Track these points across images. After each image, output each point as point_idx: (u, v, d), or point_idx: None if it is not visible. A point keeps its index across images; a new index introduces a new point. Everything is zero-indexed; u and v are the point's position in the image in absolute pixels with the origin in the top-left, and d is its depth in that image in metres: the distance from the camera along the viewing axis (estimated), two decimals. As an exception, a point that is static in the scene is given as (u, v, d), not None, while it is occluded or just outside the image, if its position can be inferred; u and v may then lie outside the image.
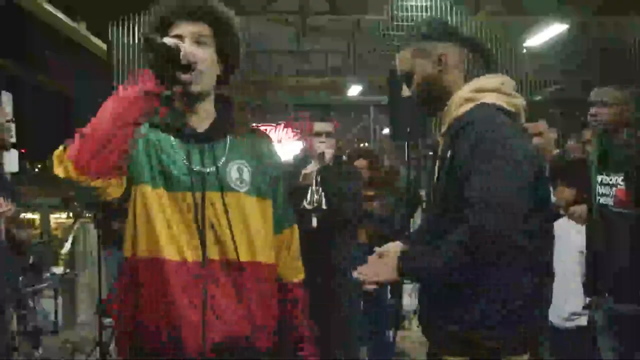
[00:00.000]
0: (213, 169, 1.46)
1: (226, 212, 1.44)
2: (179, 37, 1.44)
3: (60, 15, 7.60)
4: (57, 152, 1.33)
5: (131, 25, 8.42)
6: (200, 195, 1.43)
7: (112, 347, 4.21)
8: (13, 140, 3.62)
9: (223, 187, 1.46)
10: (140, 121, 1.35)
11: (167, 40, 1.37)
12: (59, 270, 4.82)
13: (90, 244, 5.68)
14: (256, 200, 1.50)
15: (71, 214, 6.02)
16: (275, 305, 1.53)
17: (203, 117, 1.50)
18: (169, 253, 1.40)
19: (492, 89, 1.57)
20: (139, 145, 1.44)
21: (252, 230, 1.48)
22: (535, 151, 1.64)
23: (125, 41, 8.39)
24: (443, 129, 1.63)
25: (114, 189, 1.37)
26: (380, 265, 1.57)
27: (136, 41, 8.42)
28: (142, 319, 1.42)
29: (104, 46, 8.59)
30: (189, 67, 1.38)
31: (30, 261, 4.46)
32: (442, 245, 1.47)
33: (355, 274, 1.58)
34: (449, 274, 1.48)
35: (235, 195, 1.47)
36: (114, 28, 8.41)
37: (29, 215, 5.97)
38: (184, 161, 1.45)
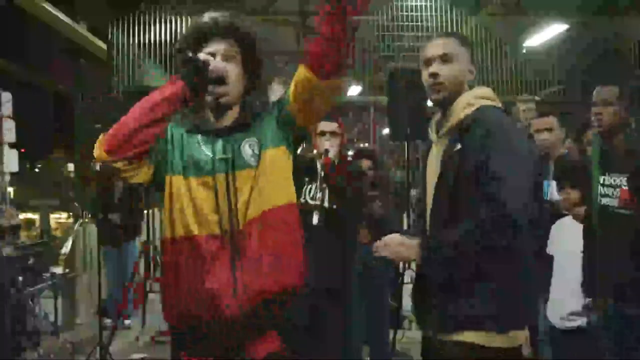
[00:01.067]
0: (231, 153, 1.70)
1: (247, 183, 1.67)
2: (212, 54, 1.68)
3: (60, 15, 7.60)
4: (98, 141, 1.63)
5: (131, 25, 8.42)
6: (224, 176, 1.68)
7: (111, 347, 4.21)
8: (13, 140, 3.62)
9: (242, 165, 1.69)
10: (165, 120, 1.63)
11: (200, 56, 1.64)
12: (59, 270, 4.81)
13: (90, 244, 5.68)
14: (271, 153, 1.72)
15: (71, 214, 6.02)
16: (299, 236, 1.73)
17: (228, 120, 1.76)
18: (202, 230, 1.65)
19: (489, 97, 1.81)
20: (169, 144, 1.72)
21: (276, 181, 1.71)
22: (534, 146, 1.89)
23: (125, 41, 8.39)
24: (444, 130, 1.81)
25: (141, 175, 1.66)
26: (399, 245, 1.75)
27: (136, 41, 8.43)
28: (184, 288, 1.65)
29: (104, 46, 8.59)
30: (221, 81, 1.66)
31: (30, 261, 4.46)
32: (459, 228, 1.65)
33: (375, 248, 1.78)
34: (466, 252, 1.64)
35: (248, 171, 1.69)
36: (114, 28, 8.42)
37: (29, 215, 5.97)
38: (209, 152, 1.70)
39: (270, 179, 1.70)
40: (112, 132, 1.61)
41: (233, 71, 1.69)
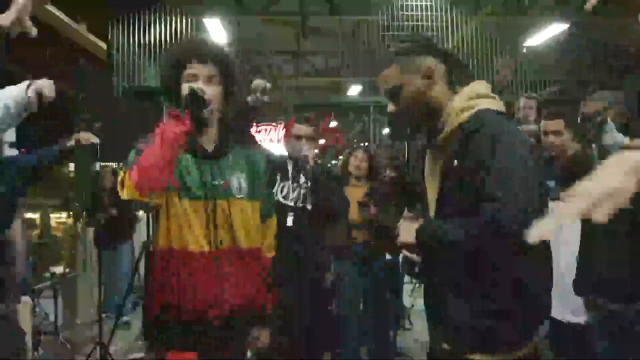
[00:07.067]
0: (221, 181, 1.93)
1: (231, 214, 1.93)
2: (194, 76, 1.87)
3: (61, 15, 7.61)
4: (120, 180, 1.75)
5: (131, 25, 8.42)
6: (212, 203, 1.90)
7: (112, 347, 4.21)
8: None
9: (227, 195, 1.93)
10: (179, 153, 1.79)
11: (197, 89, 1.81)
12: (59, 270, 4.81)
13: (91, 244, 5.68)
14: (251, 203, 2.00)
15: (71, 214, 6.02)
16: (266, 277, 2.03)
17: (210, 138, 1.97)
18: (192, 245, 1.86)
19: (485, 95, 1.67)
20: None
21: (249, 225, 1.98)
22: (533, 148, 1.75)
23: (125, 41, 8.40)
24: (440, 138, 1.70)
25: (159, 200, 1.84)
26: (404, 227, 1.68)
27: (136, 41, 8.43)
28: (174, 296, 1.85)
29: (104, 46, 8.60)
30: (207, 104, 1.85)
31: (30, 261, 4.46)
32: (459, 223, 1.55)
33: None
34: (459, 248, 1.56)
35: (237, 201, 1.95)
36: (114, 28, 8.42)
37: (29, 215, 5.97)
38: (199, 176, 1.90)
39: (252, 219, 1.99)
40: (141, 174, 1.68)
41: (215, 92, 1.89)
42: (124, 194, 1.71)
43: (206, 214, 1.89)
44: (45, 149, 2.75)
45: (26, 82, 2.07)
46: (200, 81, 1.86)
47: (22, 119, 2.14)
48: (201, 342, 1.86)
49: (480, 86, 1.70)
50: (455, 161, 1.61)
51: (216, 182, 1.92)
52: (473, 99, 1.66)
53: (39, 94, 2.05)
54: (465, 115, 1.63)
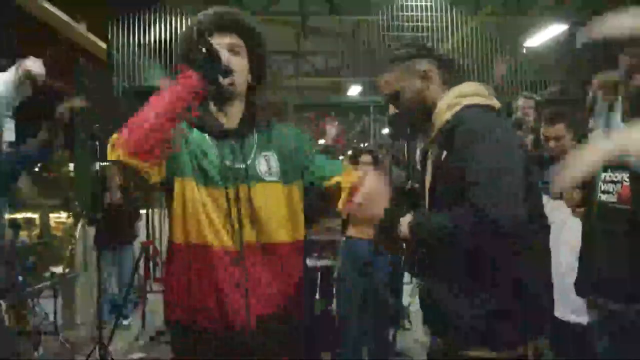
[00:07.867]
0: (243, 165, 1.66)
1: (257, 202, 1.64)
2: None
3: (61, 15, 7.60)
4: (111, 140, 1.49)
5: (131, 25, 8.42)
6: (234, 189, 1.63)
7: (111, 347, 4.21)
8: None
9: (253, 180, 1.66)
10: (184, 115, 1.50)
11: (216, 50, 1.55)
12: (59, 270, 4.81)
13: (90, 244, 5.68)
14: (283, 188, 1.71)
15: (71, 214, 6.02)
16: (302, 278, 1.73)
17: (233, 118, 1.72)
18: (212, 241, 1.60)
19: (472, 93, 1.72)
20: (182, 143, 1.63)
21: (281, 215, 1.69)
22: (520, 141, 1.81)
23: (125, 41, 8.39)
24: (431, 136, 1.76)
25: (155, 175, 1.54)
26: (403, 220, 1.69)
27: (136, 41, 8.42)
28: (192, 298, 1.61)
29: (104, 46, 8.59)
30: (228, 73, 1.58)
31: (30, 261, 4.46)
32: (449, 214, 1.58)
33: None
34: (450, 238, 1.57)
35: (264, 186, 1.67)
36: (114, 28, 8.41)
37: (29, 215, 5.97)
38: (218, 158, 1.65)
39: (286, 207, 1.70)
40: (133, 133, 1.45)
41: (239, 63, 1.67)
42: (113, 155, 1.45)
43: (228, 203, 1.62)
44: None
45: (14, 66, 2.06)
46: (223, 52, 1.61)
47: (18, 104, 2.10)
48: (225, 354, 1.61)
49: (467, 86, 1.75)
50: (440, 159, 1.67)
51: (239, 166, 1.66)
52: (457, 97, 1.71)
53: (32, 79, 2.05)
54: (449, 113, 1.69)
